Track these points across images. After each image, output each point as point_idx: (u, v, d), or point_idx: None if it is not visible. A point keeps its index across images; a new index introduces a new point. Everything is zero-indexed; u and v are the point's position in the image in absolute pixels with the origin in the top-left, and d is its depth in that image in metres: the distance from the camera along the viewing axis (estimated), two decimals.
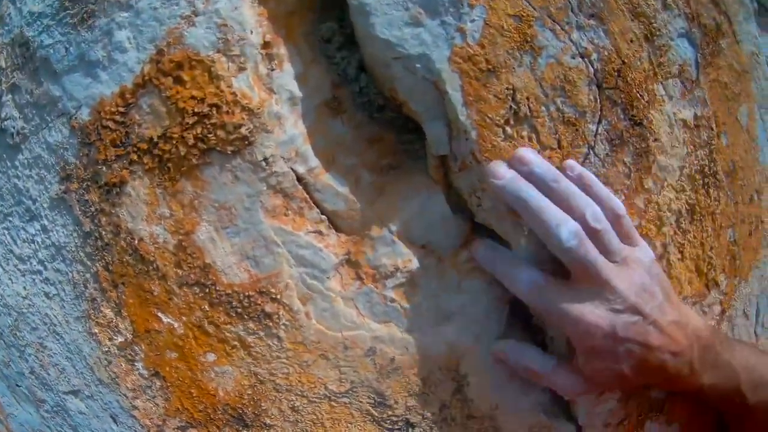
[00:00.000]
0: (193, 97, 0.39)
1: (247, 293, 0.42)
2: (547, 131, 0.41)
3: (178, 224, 0.42)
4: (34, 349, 0.54)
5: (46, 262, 0.50)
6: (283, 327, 0.42)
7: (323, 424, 0.43)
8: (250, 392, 0.43)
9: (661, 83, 0.43)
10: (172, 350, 0.44)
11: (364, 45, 0.41)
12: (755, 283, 0.54)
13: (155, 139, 0.41)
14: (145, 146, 0.41)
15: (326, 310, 0.42)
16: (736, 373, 0.39)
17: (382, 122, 0.42)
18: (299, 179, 0.40)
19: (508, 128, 0.40)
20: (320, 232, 0.41)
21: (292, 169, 0.40)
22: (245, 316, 0.42)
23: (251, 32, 0.40)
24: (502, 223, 0.41)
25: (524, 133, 0.40)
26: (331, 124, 0.42)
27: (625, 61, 0.41)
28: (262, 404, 0.43)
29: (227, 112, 0.39)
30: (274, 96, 0.39)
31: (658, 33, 0.43)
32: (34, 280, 0.51)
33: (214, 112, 0.39)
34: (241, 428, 0.45)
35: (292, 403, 0.43)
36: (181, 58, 0.40)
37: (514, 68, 0.40)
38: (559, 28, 0.41)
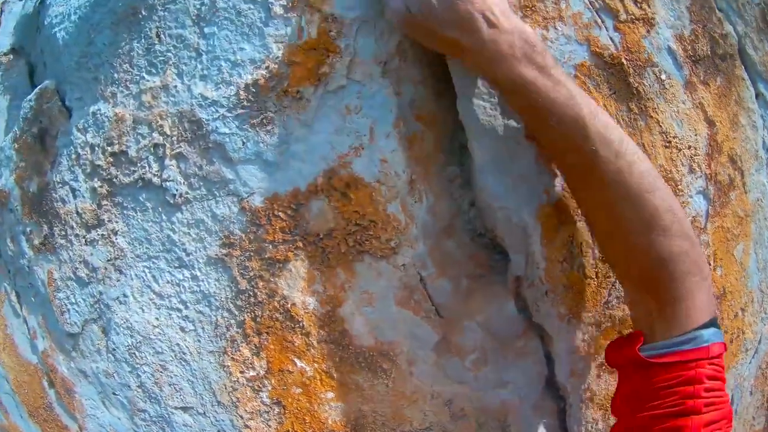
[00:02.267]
0: (356, 212, 0.60)
1: (371, 353, 0.64)
2: (590, 266, 0.68)
3: (328, 299, 0.62)
4: (152, 369, 0.72)
5: (189, 303, 0.68)
6: (392, 379, 0.65)
7: None
8: (353, 422, 0.66)
9: None
10: (298, 387, 0.65)
11: (479, 192, 0.64)
12: (731, 379, 0.73)
13: (321, 235, 0.60)
14: (311, 239, 0.61)
15: (424, 371, 0.64)
16: (573, 95, 0.45)
17: (479, 244, 0.66)
18: (421, 280, 0.64)
19: (565, 263, 0.67)
20: (429, 317, 0.64)
21: (418, 273, 0.63)
22: (366, 369, 0.64)
23: (403, 171, 0.62)
24: (550, 326, 0.67)
25: (575, 268, 0.67)
26: (445, 243, 0.65)
27: None
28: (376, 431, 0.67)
29: (382, 228, 0.61)
30: (415, 221, 0.63)
31: (680, 193, 0.70)
32: (170, 314, 0.69)
33: (372, 226, 0.60)
34: None
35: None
36: (349, 180, 0.60)
37: (575, 222, 0.67)
38: None
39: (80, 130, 0.69)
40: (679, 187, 0.68)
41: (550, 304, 0.63)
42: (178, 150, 0.65)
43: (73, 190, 0.69)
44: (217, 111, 0.63)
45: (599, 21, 0.64)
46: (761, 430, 0.84)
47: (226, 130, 0.63)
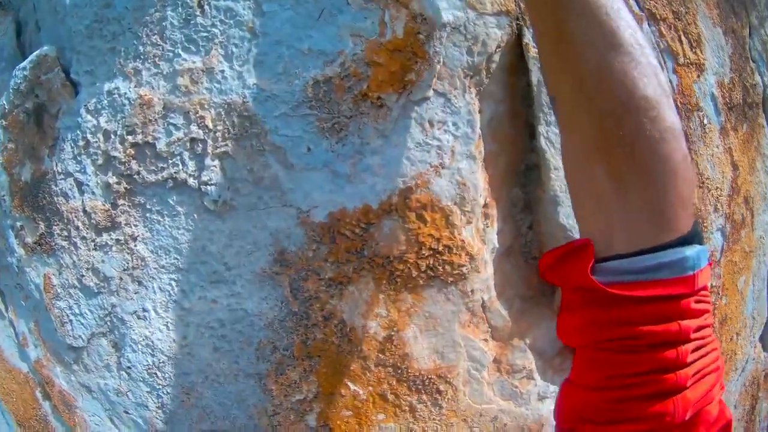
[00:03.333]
0: (431, 235, 0.57)
1: (429, 376, 0.64)
2: None
3: (391, 323, 0.60)
4: (176, 391, 0.65)
5: (226, 322, 0.62)
6: (446, 400, 0.65)
7: None
8: None
9: None
10: (348, 410, 0.63)
11: (543, 218, 0.63)
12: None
13: (391, 258, 0.57)
14: (380, 261, 0.56)
15: (476, 390, 0.66)
16: None
17: (533, 267, 0.68)
18: (483, 303, 0.64)
19: None
20: (486, 340, 0.65)
21: (482, 297, 0.63)
22: (422, 391, 0.64)
23: (480, 195, 0.60)
24: None
25: None
26: (505, 265, 0.66)
27: None
28: None
29: (456, 254, 0.59)
30: (486, 246, 0.62)
31: (705, 230, 0.78)
32: (202, 333, 0.62)
33: (446, 251, 0.58)
34: None
35: None
36: (426, 202, 0.56)
37: None
38: None
39: (90, 112, 0.58)
40: (705, 224, 0.75)
41: None
42: (223, 148, 0.57)
43: (80, 184, 0.58)
44: (277, 107, 0.56)
45: (662, 61, 0.66)
46: None
47: (289, 132, 0.56)
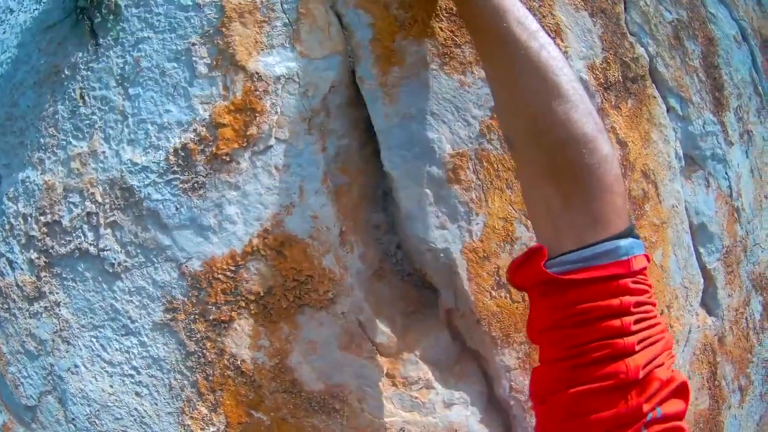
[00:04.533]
0: (293, 268, 0.65)
1: (323, 396, 0.70)
2: (516, 291, 0.77)
3: (275, 352, 0.68)
4: None
5: (140, 369, 0.73)
6: (346, 416, 0.71)
7: None
8: None
9: None
10: None
11: (404, 236, 0.69)
12: None
13: (261, 294, 0.65)
14: (252, 297, 0.65)
15: (374, 405, 0.70)
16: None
17: (410, 284, 0.73)
18: (360, 324, 0.70)
19: (493, 292, 0.75)
20: (372, 357, 0.71)
21: (357, 318, 0.69)
22: (320, 411, 0.71)
23: (333, 225, 0.67)
24: (485, 350, 0.75)
25: (503, 294, 0.75)
26: (378, 286, 0.71)
27: None
28: None
29: (319, 282, 0.66)
30: (349, 270, 0.68)
31: None
32: (124, 381, 0.74)
33: (310, 280, 0.66)
34: None
35: None
36: (284, 239, 0.64)
37: (499, 254, 0.75)
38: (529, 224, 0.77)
39: (11, 199, 0.71)
40: None
41: (483, 330, 0.71)
42: (112, 218, 0.68)
43: (11, 262, 0.72)
44: (147, 177, 0.67)
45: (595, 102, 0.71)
46: (706, 409, 0.94)
47: (159, 197, 0.67)
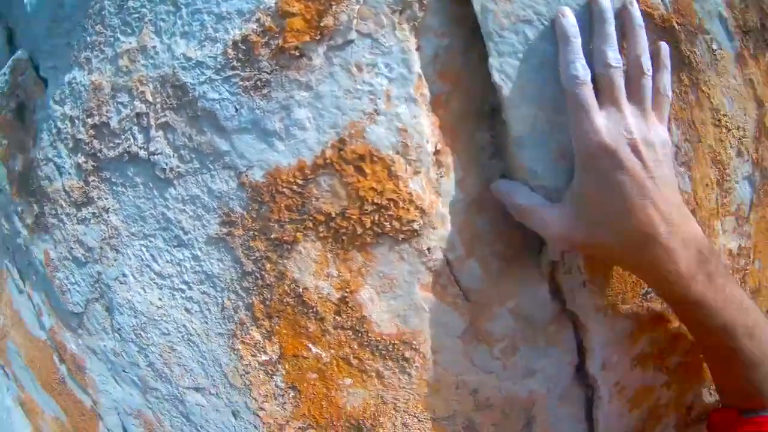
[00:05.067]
0: (372, 188, 0.54)
1: (392, 341, 0.62)
2: None
3: (344, 284, 0.58)
4: (159, 349, 0.72)
5: (192, 284, 0.66)
6: (415, 368, 0.63)
7: None
8: (373, 409, 0.66)
9: (720, 220, 0.66)
10: (313, 372, 0.65)
11: (512, 165, 0.55)
12: None
13: (333, 215, 0.55)
14: (321, 218, 0.56)
15: (449, 359, 0.60)
16: (731, 303, 0.44)
17: (512, 222, 0.62)
18: (448, 263, 0.59)
19: None
20: (456, 304, 0.61)
21: (445, 256, 0.57)
22: (387, 357, 0.63)
23: (427, 141, 0.56)
24: (586, 317, 0.62)
25: None
26: (475, 220, 0.61)
27: (698, 202, 0.64)
28: (380, 419, 0.65)
29: (403, 208, 0.55)
30: (440, 199, 0.56)
31: (727, 178, 0.65)
32: (173, 295, 0.68)
33: (392, 205, 0.54)
34: None
35: (404, 420, 0.66)
36: (364, 152, 0.54)
37: None
38: None
39: (57, 102, 0.64)
40: (727, 171, 0.62)
41: (588, 294, 0.59)
42: (163, 119, 0.60)
43: (58, 167, 0.65)
44: (203, 73, 0.57)
45: None
46: None
47: (216, 96, 0.57)
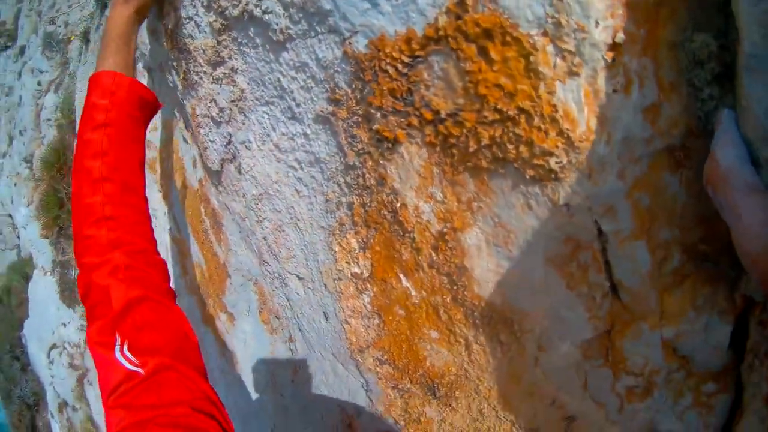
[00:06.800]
0: (499, 86, 0.36)
1: (491, 314, 0.44)
2: None
3: (448, 214, 0.43)
4: (272, 225, 0.69)
5: (303, 164, 0.60)
6: (509, 357, 0.45)
7: None
8: (453, 378, 0.53)
9: None
10: (401, 308, 0.54)
11: (740, 103, 0.30)
12: None
13: (443, 115, 0.40)
14: (429, 116, 0.41)
15: (556, 367, 0.43)
16: None
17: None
18: (600, 234, 0.37)
19: None
20: (594, 298, 0.39)
21: (596, 222, 0.37)
22: (480, 329, 0.48)
23: (596, 23, 0.32)
24: None
25: None
26: (666, 179, 0.37)
27: None
28: (457, 393, 0.52)
29: (539, 129, 0.35)
30: (607, 130, 0.34)
31: None
32: (287, 172, 0.63)
33: (522, 120, 0.35)
34: (428, 395, 0.53)
35: (482, 407, 0.52)
36: (491, 25, 0.35)
37: None
38: None
39: None
40: None
41: None
42: None
43: (197, 26, 0.62)
44: None
45: None
46: None
47: None
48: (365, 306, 0.56)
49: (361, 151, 0.49)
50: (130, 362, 0.45)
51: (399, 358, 0.55)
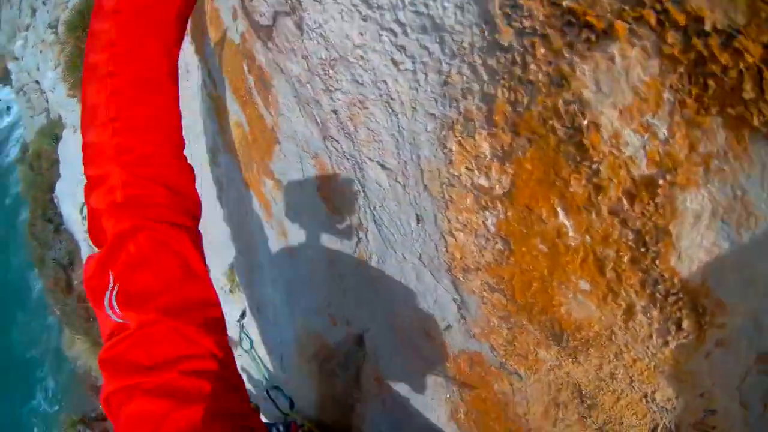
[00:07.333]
0: None
1: (681, 293, 0.34)
2: None
3: (669, 161, 0.29)
4: (347, 99, 0.51)
5: (408, 28, 0.40)
6: (678, 342, 0.36)
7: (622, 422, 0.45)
8: (592, 335, 0.41)
9: None
10: (544, 244, 0.41)
11: None
12: None
13: (707, 27, 0.24)
14: (682, 20, 0.25)
15: (728, 367, 0.35)
16: None
17: None
18: None
19: None
20: None
21: None
22: (656, 303, 0.34)
23: None
24: None
25: None
26: None
27: None
28: (591, 350, 0.42)
29: None
30: None
31: None
32: (381, 36, 0.42)
33: None
34: (549, 339, 0.45)
35: (616, 372, 0.42)
36: None
37: None
38: None
39: None
40: None
41: None
42: None
43: None
44: None
45: None
46: None
47: None
48: (487, 226, 0.44)
49: (529, 30, 0.31)
50: (116, 314, 0.43)
51: (521, 294, 0.45)
